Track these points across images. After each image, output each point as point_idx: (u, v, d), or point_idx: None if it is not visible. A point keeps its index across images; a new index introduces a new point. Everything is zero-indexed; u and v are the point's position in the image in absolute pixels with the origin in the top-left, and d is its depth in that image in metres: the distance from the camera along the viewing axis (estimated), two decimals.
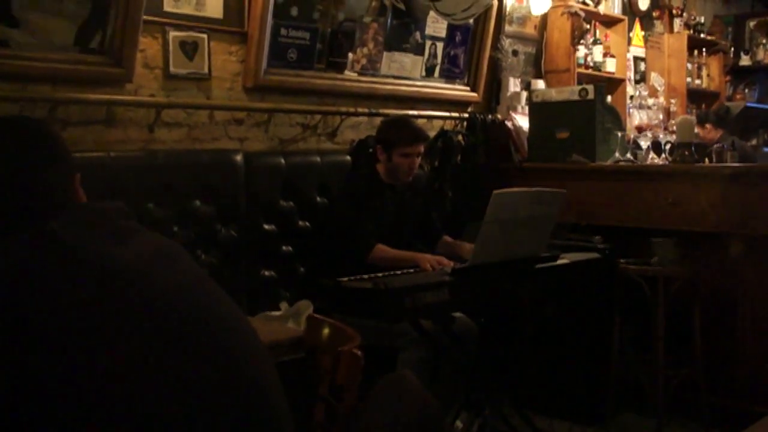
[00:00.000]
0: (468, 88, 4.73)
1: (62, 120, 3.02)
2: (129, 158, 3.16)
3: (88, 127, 3.12)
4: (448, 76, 4.60)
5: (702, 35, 6.99)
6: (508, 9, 4.96)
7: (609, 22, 5.81)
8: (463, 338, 3.29)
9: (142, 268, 1.35)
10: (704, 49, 6.96)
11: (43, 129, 1.53)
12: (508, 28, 4.98)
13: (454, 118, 4.62)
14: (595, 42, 5.60)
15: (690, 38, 6.64)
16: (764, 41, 7.77)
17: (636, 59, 6.23)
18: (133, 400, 1.23)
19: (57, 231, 1.31)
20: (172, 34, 3.34)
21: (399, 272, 3.10)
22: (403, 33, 4.28)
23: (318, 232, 3.65)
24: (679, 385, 3.62)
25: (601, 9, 5.65)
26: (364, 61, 4.10)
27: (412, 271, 3.16)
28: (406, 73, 4.34)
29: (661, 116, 5.36)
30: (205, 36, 3.45)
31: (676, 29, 6.70)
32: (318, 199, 3.74)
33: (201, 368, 1.31)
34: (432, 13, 4.25)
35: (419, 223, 3.73)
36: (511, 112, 4.80)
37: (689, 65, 6.65)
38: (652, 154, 4.32)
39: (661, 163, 4.20)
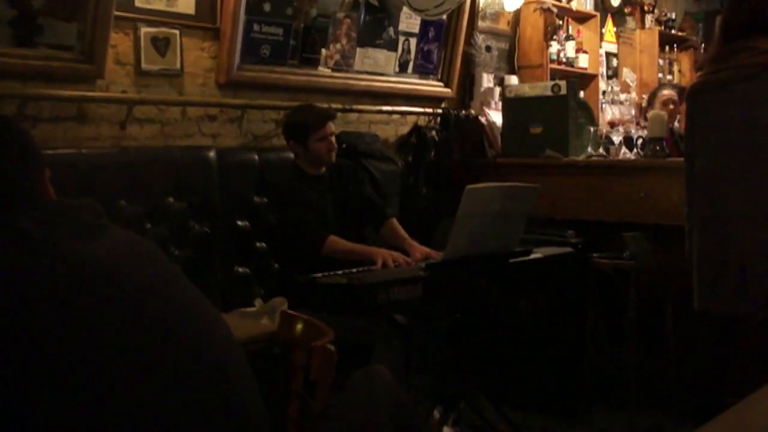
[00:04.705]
0: (441, 84, 4.74)
1: (33, 117, 3.00)
2: (101, 155, 3.14)
3: (59, 123, 3.10)
4: (422, 71, 4.61)
5: (673, 31, 7.04)
6: (481, 5, 4.98)
7: (581, 18, 5.84)
8: (436, 333, 3.30)
9: (112, 265, 1.35)
10: (675, 45, 7.02)
11: (11, 125, 1.52)
12: (481, 23, 5.00)
13: (428, 114, 4.63)
14: (568, 38, 5.63)
15: (661, 34, 6.69)
16: None
17: (608, 55, 6.27)
18: (104, 395, 1.22)
19: (25, 227, 1.30)
20: (144, 30, 3.31)
21: (373, 267, 3.10)
22: (376, 29, 4.28)
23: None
24: (652, 378, 3.66)
25: (574, 5, 5.69)
26: (337, 56, 4.10)
27: (367, 268, 3.09)
28: (379, 68, 4.35)
29: (633, 111, 5.39)
30: (176, 32, 3.43)
31: (647, 25, 6.75)
32: None
33: (172, 364, 1.31)
34: (405, 9, 4.26)
35: (359, 207, 3.56)
36: (484, 107, 4.82)
37: (660, 61, 6.70)
38: (624, 149, 4.34)
39: (633, 157, 4.23)
